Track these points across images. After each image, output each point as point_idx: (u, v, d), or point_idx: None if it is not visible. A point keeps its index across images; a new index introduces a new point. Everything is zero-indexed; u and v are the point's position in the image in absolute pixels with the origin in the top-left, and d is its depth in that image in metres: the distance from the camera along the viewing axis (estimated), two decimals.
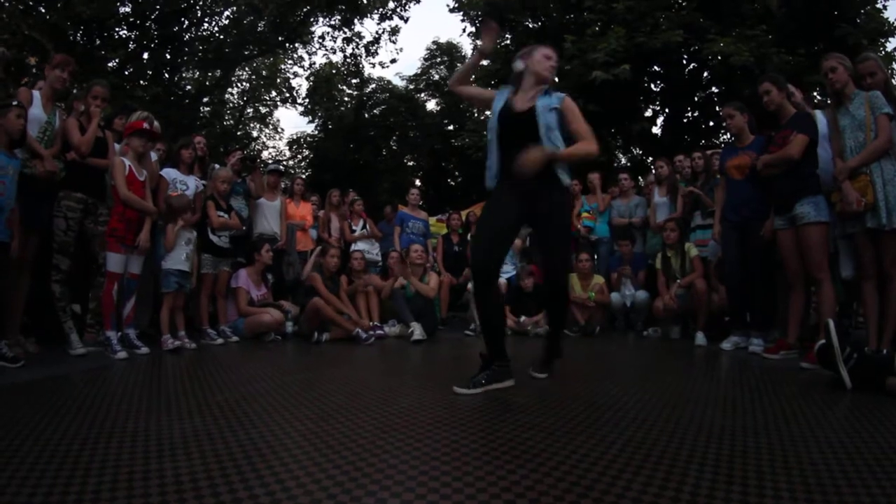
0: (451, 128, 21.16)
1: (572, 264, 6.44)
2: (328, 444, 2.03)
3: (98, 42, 13.18)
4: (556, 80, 3.32)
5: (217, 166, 6.28)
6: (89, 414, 2.49)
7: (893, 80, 11.73)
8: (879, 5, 12.05)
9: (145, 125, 4.82)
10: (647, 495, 1.59)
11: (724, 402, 2.89)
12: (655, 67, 13.13)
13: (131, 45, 13.85)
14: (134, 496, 1.56)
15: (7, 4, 11.24)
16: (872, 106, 3.92)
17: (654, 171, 7.23)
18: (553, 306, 3.55)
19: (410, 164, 22.93)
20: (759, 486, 1.68)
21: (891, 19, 12.13)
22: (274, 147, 26.08)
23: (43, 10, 11.75)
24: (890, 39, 12.47)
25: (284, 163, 24.35)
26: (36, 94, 4.41)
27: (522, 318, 6.40)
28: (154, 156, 5.38)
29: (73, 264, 4.59)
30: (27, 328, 4.49)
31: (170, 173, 5.46)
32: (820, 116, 4.52)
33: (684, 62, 13.00)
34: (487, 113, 3.48)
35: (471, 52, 19.57)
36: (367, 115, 22.11)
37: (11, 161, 3.87)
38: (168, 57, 14.74)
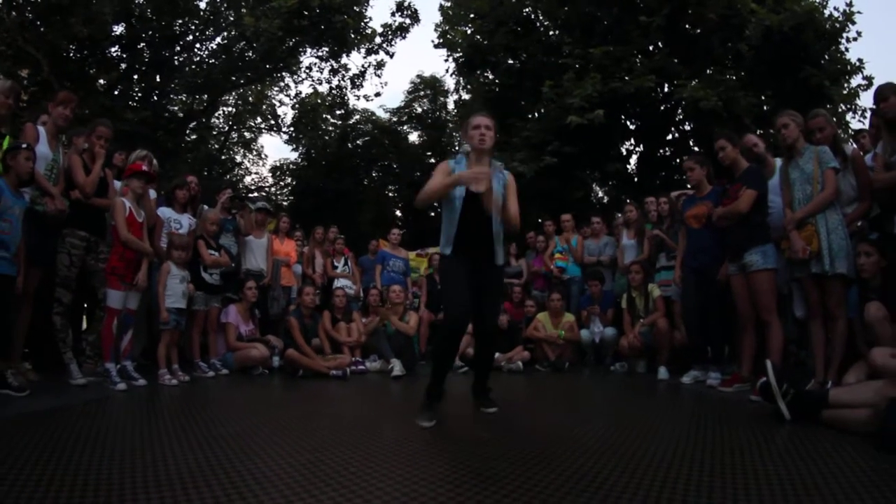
0: (432, 160, 21.57)
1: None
2: (325, 473, 2.36)
3: (90, 60, 13.43)
4: (485, 141, 3.58)
5: (206, 207, 6.57)
6: (108, 445, 2.77)
7: (856, 117, 12.49)
8: (842, 47, 12.73)
9: (144, 167, 5.12)
10: None
11: (671, 433, 3.22)
12: (629, 109, 13.71)
13: (123, 67, 14.12)
14: None
15: (6, 19, 11.49)
16: (820, 160, 4.27)
17: (623, 214, 7.62)
18: (485, 350, 3.92)
19: (392, 194, 23.26)
20: None
21: (853, 59, 12.88)
22: (257, 173, 26.21)
23: (40, 25, 11.99)
24: (853, 78, 13.13)
25: (267, 189, 24.59)
26: (41, 130, 4.63)
27: (497, 355, 6.71)
28: (153, 193, 5.66)
29: (74, 297, 4.83)
30: (24, 355, 4.71)
31: (165, 212, 5.76)
32: (779, 164, 4.87)
33: (657, 103, 13.56)
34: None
35: (452, 87, 20.14)
36: (350, 146, 22.41)
37: (18, 201, 4.10)
38: (158, 80, 15.01)
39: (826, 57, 12.48)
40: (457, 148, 3.94)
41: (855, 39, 12.65)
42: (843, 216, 4.31)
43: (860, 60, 12.87)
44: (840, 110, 13.31)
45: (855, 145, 5.33)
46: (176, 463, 2.47)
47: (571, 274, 7.86)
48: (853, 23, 12.48)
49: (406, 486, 2.22)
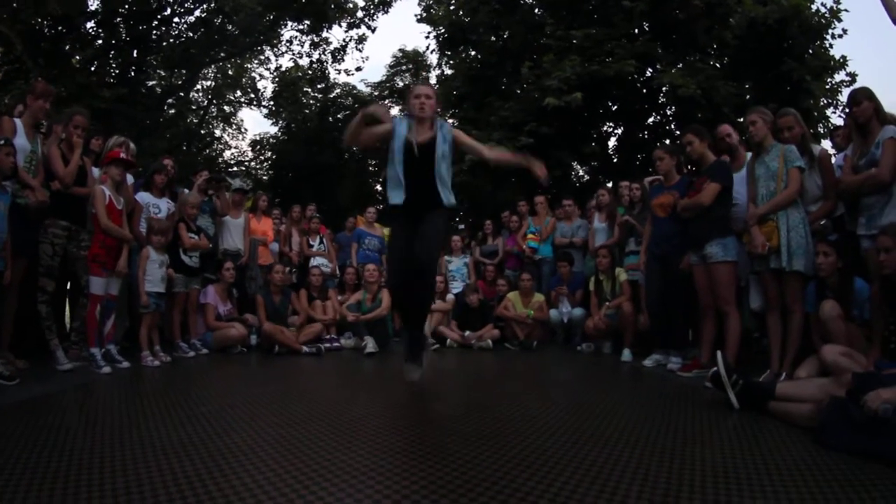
0: None
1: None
2: (293, 446, 2.64)
3: (66, 37, 13.19)
4: (428, 109, 3.92)
5: (186, 191, 6.68)
6: (97, 426, 3.00)
7: (837, 112, 12.64)
8: (827, 44, 12.92)
9: (122, 154, 5.22)
10: (529, 489, 2.15)
11: (624, 415, 3.41)
12: (608, 92, 13.80)
13: (99, 43, 13.91)
14: (157, 490, 2.09)
15: None
16: (786, 159, 4.37)
17: (596, 197, 7.74)
18: (416, 292, 3.82)
19: (372, 168, 23.28)
20: (618, 490, 2.15)
21: (837, 56, 13.01)
22: (236, 147, 26.07)
23: (13, 2, 11.79)
24: (836, 74, 13.28)
25: (246, 163, 24.51)
26: (18, 122, 4.67)
27: (467, 333, 7.01)
28: (131, 178, 5.75)
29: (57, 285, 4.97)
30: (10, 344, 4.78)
31: (143, 197, 5.87)
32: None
33: (638, 86, 13.60)
34: None
35: (435, 63, 20.12)
36: (331, 119, 22.35)
37: (2, 196, 4.18)
38: (135, 56, 14.82)
39: (810, 52, 12.63)
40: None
41: (840, 36, 12.82)
42: (807, 214, 4.43)
43: (844, 57, 13.02)
44: (822, 104, 13.50)
45: (831, 142, 5.44)
46: (160, 440, 2.71)
47: (543, 255, 8.07)
48: (839, 20, 12.64)
49: (365, 458, 2.48)
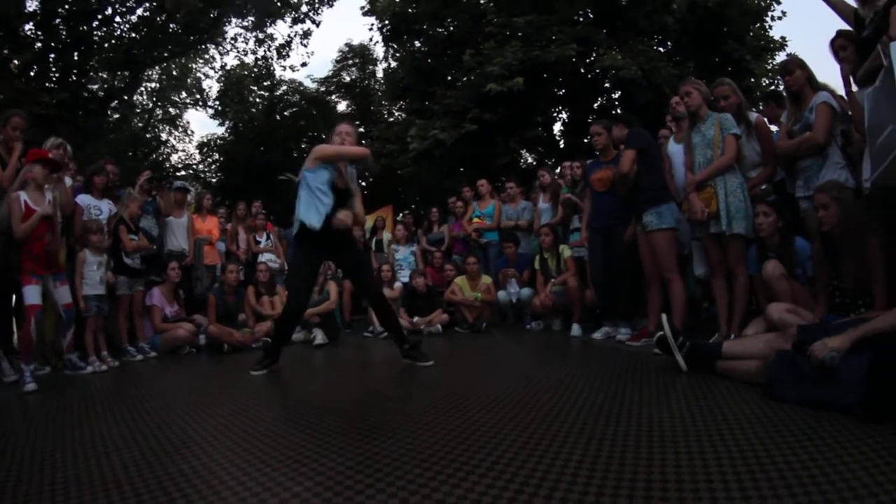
0: (361, 129, 21.55)
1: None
2: (234, 432, 2.71)
3: (2, 41, 12.73)
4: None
5: (130, 190, 6.58)
6: (41, 429, 3.06)
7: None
8: (767, 25, 13.50)
9: (50, 155, 4.97)
10: (465, 460, 2.19)
11: (572, 387, 3.36)
12: (550, 77, 14.02)
13: (38, 45, 13.46)
14: (94, 483, 2.14)
15: None
16: (722, 126, 4.46)
17: (537, 179, 7.88)
18: (385, 311, 4.75)
19: None
20: (557, 459, 2.12)
21: (776, 37, 13.64)
22: (183, 150, 25.57)
23: None
24: (777, 55, 13.85)
25: (194, 166, 24.10)
26: None
27: (416, 319, 7.10)
28: (69, 181, 5.64)
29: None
30: None
31: (84, 199, 5.76)
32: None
33: (582, 71, 13.88)
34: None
35: (382, 55, 20.06)
36: (278, 118, 22.13)
37: None
38: (76, 58, 14.39)
39: (750, 33, 13.07)
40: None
41: (780, 18, 13.41)
42: (747, 180, 4.54)
43: (783, 38, 13.62)
44: (764, 84, 13.94)
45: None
46: (101, 438, 2.77)
47: (489, 237, 8.14)
48: (778, 2, 13.23)
49: (304, 440, 2.53)
